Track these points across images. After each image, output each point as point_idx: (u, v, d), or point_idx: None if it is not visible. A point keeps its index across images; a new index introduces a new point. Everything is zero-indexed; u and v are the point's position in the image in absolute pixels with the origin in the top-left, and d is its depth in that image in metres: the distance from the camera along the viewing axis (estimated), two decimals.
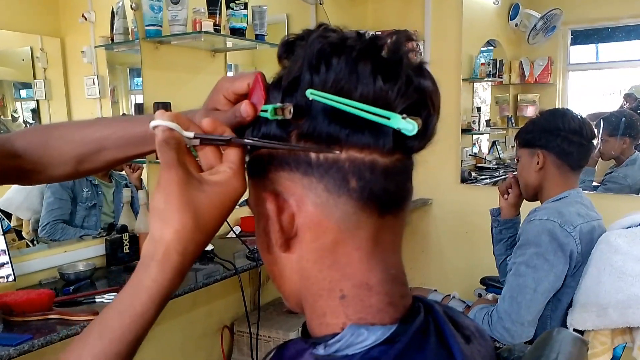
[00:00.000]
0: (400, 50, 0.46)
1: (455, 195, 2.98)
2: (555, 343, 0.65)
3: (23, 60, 2.73)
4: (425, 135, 0.47)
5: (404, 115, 0.43)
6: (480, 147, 3.76)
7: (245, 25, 1.97)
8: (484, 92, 3.80)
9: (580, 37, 3.85)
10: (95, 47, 2.10)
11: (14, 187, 2.49)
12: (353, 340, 0.47)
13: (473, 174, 3.31)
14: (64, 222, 2.32)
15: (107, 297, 1.51)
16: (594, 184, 2.86)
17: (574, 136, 1.58)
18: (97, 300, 1.50)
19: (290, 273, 0.52)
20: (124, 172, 2.37)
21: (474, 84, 3.56)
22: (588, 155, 1.63)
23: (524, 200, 1.81)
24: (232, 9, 1.96)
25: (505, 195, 1.85)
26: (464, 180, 3.10)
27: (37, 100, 2.83)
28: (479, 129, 3.49)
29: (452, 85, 2.99)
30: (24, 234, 2.45)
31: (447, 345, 0.49)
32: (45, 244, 2.16)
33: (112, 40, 1.98)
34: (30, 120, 3.00)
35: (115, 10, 1.96)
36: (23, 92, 2.82)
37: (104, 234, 1.93)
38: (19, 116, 2.99)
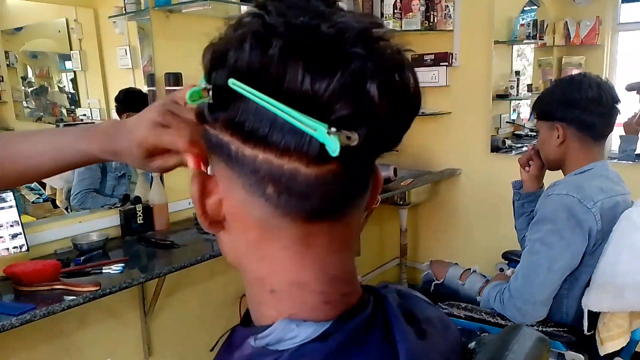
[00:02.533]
0: (351, 44, 0.38)
1: (484, 165, 2.87)
2: (513, 338, 0.60)
3: (59, 31, 2.77)
4: (366, 151, 0.40)
5: (332, 130, 0.36)
6: (519, 113, 3.59)
7: None
8: (531, 54, 3.60)
9: None
10: (109, 17, 2.09)
11: None
12: (283, 335, 0.45)
13: (509, 142, 3.17)
14: (94, 191, 2.38)
15: (114, 268, 1.54)
16: (638, 152, 2.68)
17: (593, 106, 1.46)
18: (104, 271, 1.53)
19: (226, 252, 0.49)
20: None
21: (514, 46, 3.38)
22: (611, 123, 1.52)
23: (547, 172, 1.72)
24: None
25: (527, 168, 1.76)
26: (496, 149, 2.97)
27: (75, 72, 2.89)
28: (517, 95, 3.32)
29: (482, 49, 2.83)
30: (57, 202, 2.54)
31: (393, 340, 0.45)
32: (76, 211, 2.24)
33: (125, 10, 1.97)
34: (71, 91, 3.08)
35: None
36: (68, 64, 2.87)
37: (119, 205, 1.96)
38: (64, 86, 3.08)
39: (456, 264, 2.13)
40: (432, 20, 2.66)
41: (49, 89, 3.02)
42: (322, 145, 0.37)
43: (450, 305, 1.65)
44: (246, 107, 0.39)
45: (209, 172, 0.47)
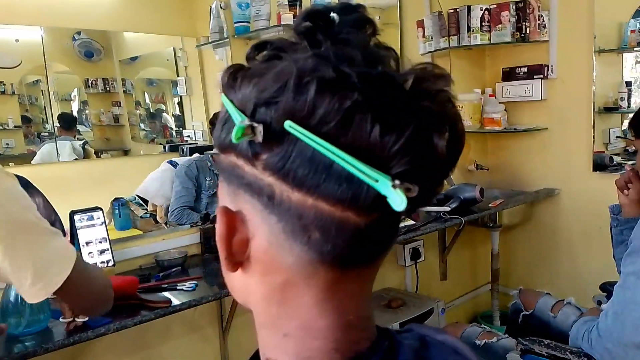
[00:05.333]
0: (424, 97, 0.38)
1: (586, 185, 2.62)
2: None
3: (168, 60, 3.01)
4: (419, 204, 0.39)
5: (396, 182, 0.35)
6: None
7: None
8: None
9: None
10: (196, 46, 2.21)
11: (150, 177, 2.76)
12: None
13: (618, 158, 2.88)
14: (189, 208, 2.52)
15: (187, 285, 1.60)
16: None
17: None
18: (178, 287, 1.60)
19: (239, 292, 0.47)
20: None
21: (624, 54, 3.09)
22: None
23: None
24: None
25: (625, 191, 1.59)
26: (602, 167, 2.71)
27: (181, 96, 3.12)
28: (628, 107, 3.03)
29: (582, 59, 2.61)
30: (158, 218, 2.72)
31: None
32: (174, 227, 2.37)
33: (210, 39, 2.07)
34: (178, 114, 3.32)
35: (211, 10, 2.04)
36: (176, 89, 3.12)
37: (200, 224, 2.05)
38: (174, 110, 3.33)
39: (548, 293, 1.97)
40: (524, 31, 2.50)
41: (163, 112, 3.29)
42: (377, 196, 0.36)
43: (532, 342, 1.52)
44: (300, 152, 0.37)
45: (234, 209, 0.43)
